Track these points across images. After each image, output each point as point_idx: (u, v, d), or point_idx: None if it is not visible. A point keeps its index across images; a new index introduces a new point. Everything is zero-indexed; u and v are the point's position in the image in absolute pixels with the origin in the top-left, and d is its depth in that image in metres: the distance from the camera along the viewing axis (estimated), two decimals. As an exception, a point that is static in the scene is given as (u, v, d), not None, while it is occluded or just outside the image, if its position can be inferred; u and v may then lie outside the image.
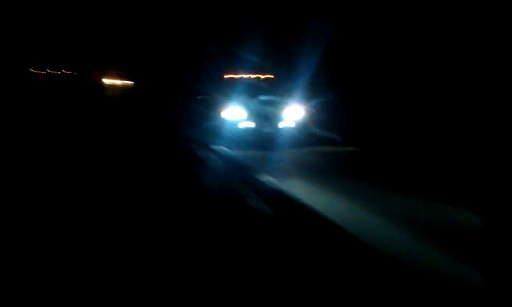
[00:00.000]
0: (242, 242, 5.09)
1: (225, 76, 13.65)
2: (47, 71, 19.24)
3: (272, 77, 13.71)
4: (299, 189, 6.98)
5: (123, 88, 16.78)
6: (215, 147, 10.35)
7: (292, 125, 11.97)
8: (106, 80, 17.09)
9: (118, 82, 16.93)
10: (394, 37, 12.67)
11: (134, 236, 5.10)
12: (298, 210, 5.83)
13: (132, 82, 16.96)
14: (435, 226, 5.89)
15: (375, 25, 13.18)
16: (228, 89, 12.78)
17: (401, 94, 11.58)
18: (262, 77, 13.61)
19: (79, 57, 19.33)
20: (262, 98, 12.48)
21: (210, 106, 12.68)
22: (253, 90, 12.82)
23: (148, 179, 7.87)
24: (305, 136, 11.56)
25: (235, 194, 7.02)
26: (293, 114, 12.09)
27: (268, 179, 7.17)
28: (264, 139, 11.42)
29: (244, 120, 11.81)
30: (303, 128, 11.88)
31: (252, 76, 13.57)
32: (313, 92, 12.55)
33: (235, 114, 11.86)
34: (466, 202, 6.59)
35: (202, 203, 6.54)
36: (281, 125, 11.89)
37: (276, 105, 12.19)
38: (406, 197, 7.10)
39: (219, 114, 11.95)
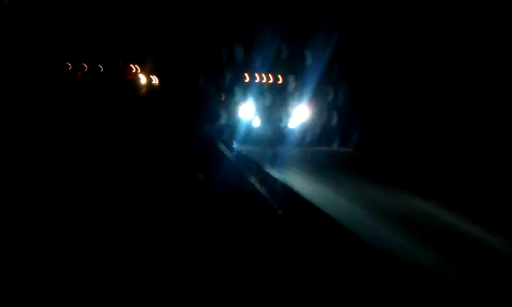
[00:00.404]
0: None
1: (242, 79, 15.17)
2: (84, 67, 20.35)
3: (283, 80, 15.17)
4: (296, 179, 8.60)
5: (155, 87, 18.47)
6: (230, 144, 11.91)
7: (298, 125, 13.49)
8: (140, 79, 18.88)
9: (149, 80, 18.66)
10: (399, 44, 13.82)
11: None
12: (290, 193, 7.37)
13: (161, 83, 18.60)
14: (399, 214, 7.36)
15: (379, 32, 14.35)
16: (243, 91, 14.33)
17: (399, 103, 12.88)
18: (274, 80, 15.08)
19: (113, 53, 20.88)
20: (273, 99, 13.99)
21: (227, 106, 14.27)
22: (265, 92, 14.34)
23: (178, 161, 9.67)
24: (308, 136, 13.07)
25: (246, 181, 8.69)
26: (300, 115, 13.60)
27: (272, 171, 8.69)
28: (272, 137, 12.97)
29: (256, 120, 13.39)
30: (307, 128, 13.39)
31: (265, 80, 15.06)
32: (319, 96, 13.99)
33: (249, 114, 13.45)
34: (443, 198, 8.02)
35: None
36: (288, 125, 13.42)
37: (285, 106, 13.71)
38: (381, 190, 8.63)
39: (235, 114, 13.57)
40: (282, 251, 5.72)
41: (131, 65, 19.71)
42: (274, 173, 8.40)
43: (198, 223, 6.44)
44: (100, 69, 20.96)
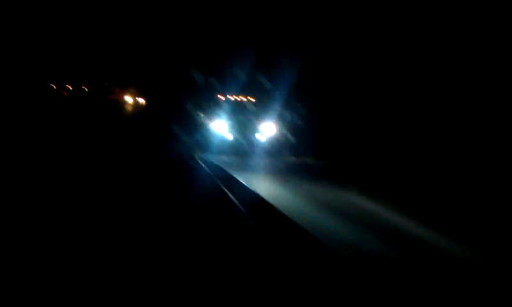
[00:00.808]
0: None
1: (216, 97, 17.04)
2: (69, 88, 21.33)
3: (253, 99, 17.10)
4: (260, 183, 10.38)
5: (138, 105, 20.04)
6: (203, 155, 13.59)
7: (266, 138, 15.36)
8: (123, 98, 20.40)
9: (132, 100, 20.18)
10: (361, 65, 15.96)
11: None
12: (252, 195, 9.07)
13: (144, 101, 20.17)
14: (339, 206, 9.23)
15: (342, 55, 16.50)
16: (217, 108, 16.17)
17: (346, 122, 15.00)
18: (245, 99, 16.99)
19: (97, 75, 22.21)
20: (243, 116, 15.86)
21: (202, 121, 16.06)
22: (236, 109, 16.21)
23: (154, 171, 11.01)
24: (275, 148, 14.95)
25: (218, 188, 10.29)
26: (267, 130, 15.48)
27: (240, 177, 10.38)
28: (242, 148, 14.79)
29: (228, 133, 15.20)
30: (274, 141, 15.27)
31: (237, 98, 16.96)
32: (284, 113, 15.96)
33: (221, 128, 15.25)
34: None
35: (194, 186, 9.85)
36: (257, 138, 15.28)
37: (254, 122, 15.57)
38: (326, 188, 10.53)
39: (209, 127, 15.36)
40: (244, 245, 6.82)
41: (116, 87, 21.31)
42: (243, 180, 10.08)
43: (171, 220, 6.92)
44: (85, 90, 22.35)
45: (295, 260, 5.82)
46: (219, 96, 16.96)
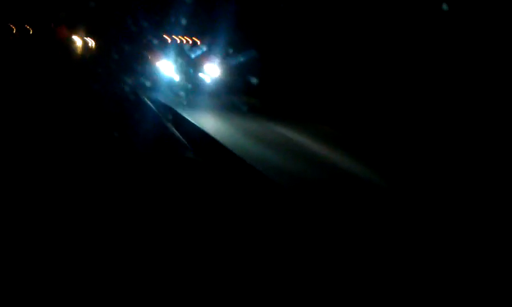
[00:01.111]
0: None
1: (162, 38, 17.69)
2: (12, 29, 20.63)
3: (198, 41, 17.89)
4: (204, 120, 11.53)
5: (87, 46, 20.27)
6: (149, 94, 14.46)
7: (210, 79, 16.37)
8: (71, 39, 20.50)
9: (81, 41, 20.33)
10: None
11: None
12: (194, 128, 10.20)
13: (94, 42, 20.41)
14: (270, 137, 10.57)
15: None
16: (164, 49, 16.91)
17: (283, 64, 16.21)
18: (190, 40, 17.76)
19: (42, 14, 21.89)
20: (189, 57, 16.72)
21: (149, 62, 16.80)
22: (182, 50, 17.00)
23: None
24: (217, 88, 16.02)
25: (164, 125, 11.32)
26: (211, 70, 16.46)
27: (182, 112, 11.46)
28: (187, 88, 15.76)
29: (174, 73, 16.09)
30: (217, 81, 16.33)
31: (183, 39, 17.69)
32: (227, 55, 16.93)
33: (167, 68, 16.10)
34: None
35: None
36: (201, 78, 16.26)
37: (198, 62, 16.48)
38: (259, 123, 11.88)
39: (155, 67, 16.18)
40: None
41: (64, 27, 21.29)
42: (188, 116, 11.17)
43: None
44: (30, 31, 21.95)
45: (239, 191, 6.23)
46: (165, 37, 17.61)
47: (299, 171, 8.36)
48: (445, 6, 11.65)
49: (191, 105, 14.04)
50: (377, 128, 11.90)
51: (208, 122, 11.96)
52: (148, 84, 15.13)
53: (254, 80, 15.76)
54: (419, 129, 11.53)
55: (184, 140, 9.50)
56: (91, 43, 20.89)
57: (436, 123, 11.47)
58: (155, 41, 17.20)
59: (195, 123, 10.47)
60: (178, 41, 17.50)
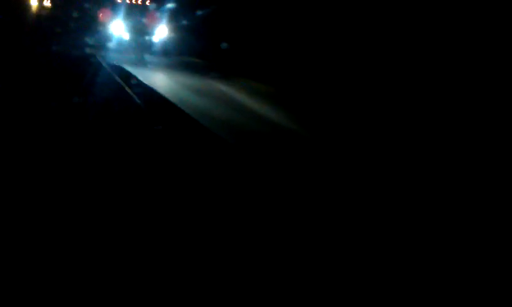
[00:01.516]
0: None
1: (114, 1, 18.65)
2: None
3: (148, 2, 18.98)
4: (153, 78, 13.07)
5: (43, 7, 20.82)
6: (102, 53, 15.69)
7: (159, 39, 17.67)
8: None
9: (37, 1, 20.85)
10: None
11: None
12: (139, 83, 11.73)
13: (50, 3, 20.95)
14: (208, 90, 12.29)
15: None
16: (116, 11, 17.96)
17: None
18: (140, 1, 18.82)
19: None
20: (139, 17, 17.89)
21: (103, 24, 17.85)
22: (133, 11, 18.11)
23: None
24: (166, 48, 17.41)
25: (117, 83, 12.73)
26: (160, 31, 17.75)
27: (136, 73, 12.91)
28: (137, 48, 17.06)
29: (125, 33, 17.29)
30: (166, 43, 17.68)
31: (133, 1, 18.72)
32: (175, 17, 18.23)
33: (118, 29, 17.27)
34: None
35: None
36: (151, 39, 17.54)
37: (149, 24, 17.72)
38: (201, 79, 13.58)
39: (107, 28, 17.30)
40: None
41: None
42: (138, 74, 12.60)
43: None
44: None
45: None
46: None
47: (227, 117, 10.08)
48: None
49: (140, 64, 15.49)
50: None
51: (156, 80, 13.49)
52: (102, 44, 16.29)
53: (201, 42, 17.25)
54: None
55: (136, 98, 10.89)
56: (47, 4, 21.46)
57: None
58: (108, 1, 18.19)
59: (145, 82, 12.02)
60: (129, 2, 18.53)
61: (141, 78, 12.27)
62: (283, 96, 13.32)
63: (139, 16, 17.99)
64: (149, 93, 11.00)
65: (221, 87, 13.26)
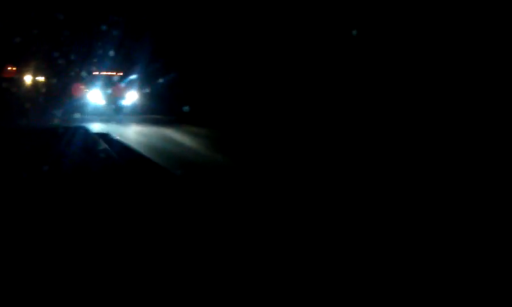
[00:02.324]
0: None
1: (92, 72, 22.23)
2: None
3: (121, 73, 22.56)
4: (124, 131, 16.22)
5: (36, 83, 24.04)
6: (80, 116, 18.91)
7: (130, 102, 21.17)
8: (22, 77, 24.24)
9: (32, 78, 24.01)
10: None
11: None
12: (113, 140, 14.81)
13: (44, 78, 24.34)
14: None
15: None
16: (92, 81, 21.52)
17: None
18: (114, 73, 22.43)
19: None
20: (113, 86, 21.42)
21: (77, 92, 21.32)
22: (107, 81, 21.66)
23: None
24: (136, 110, 20.86)
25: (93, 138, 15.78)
26: (131, 96, 21.27)
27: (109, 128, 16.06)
28: (111, 111, 20.47)
29: (101, 99, 20.76)
30: (136, 105, 21.16)
31: (107, 73, 22.32)
32: (145, 83, 21.82)
33: (95, 97, 20.78)
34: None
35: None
36: (123, 103, 21.04)
37: (121, 90, 21.22)
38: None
39: (85, 97, 20.80)
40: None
41: (10, 67, 24.82)
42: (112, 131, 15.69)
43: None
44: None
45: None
46: (93, 71, 22.22)
47: (161, 147, 13.30)
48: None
49: (113, 122, 18.74)
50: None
51: (120, 131, 16.60)
52: (76, 113, 19.35)
53: (164, 102, 20.72)
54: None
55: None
56: (41, 79, 24.61)
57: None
58: (83, 74, 21.73)
59: (115, 136, 15.11)
60: (105, 74, 22.11)
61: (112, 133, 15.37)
62: (217, 137, 16.47)
63: (112, 85, 21.53)
64: (110, 138, 14.08)
65: (166, 131, 16.40)
